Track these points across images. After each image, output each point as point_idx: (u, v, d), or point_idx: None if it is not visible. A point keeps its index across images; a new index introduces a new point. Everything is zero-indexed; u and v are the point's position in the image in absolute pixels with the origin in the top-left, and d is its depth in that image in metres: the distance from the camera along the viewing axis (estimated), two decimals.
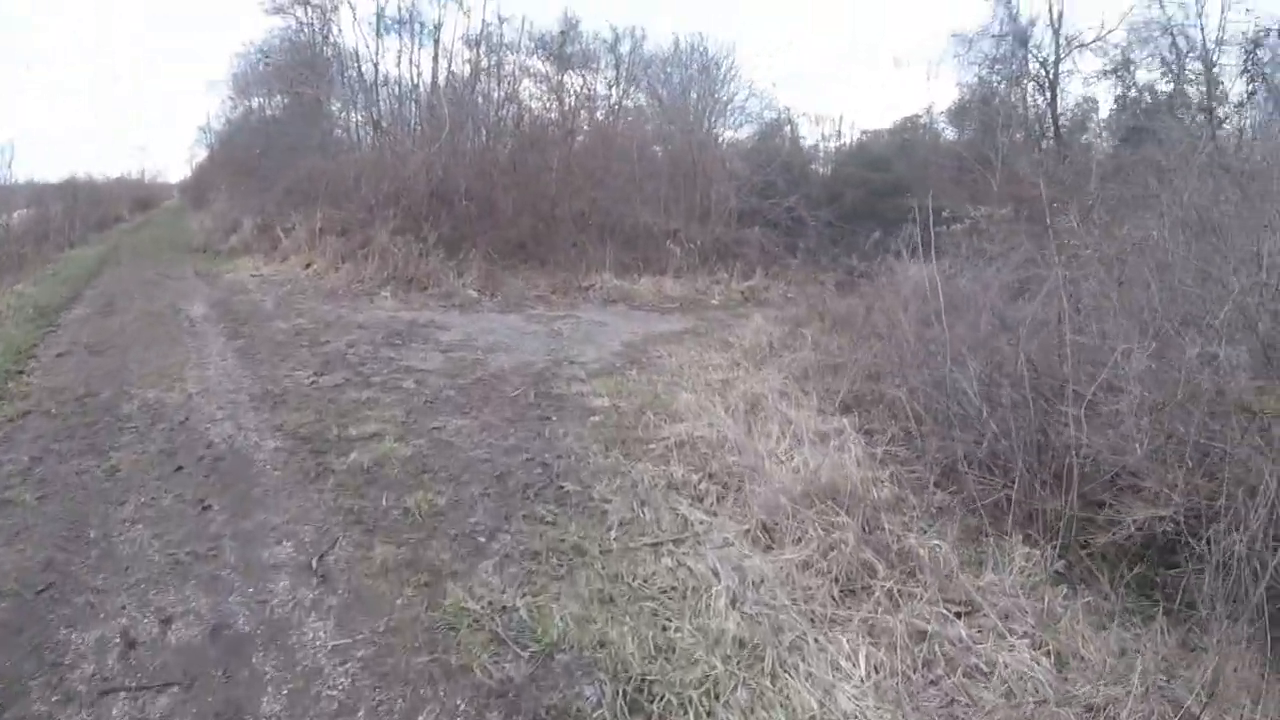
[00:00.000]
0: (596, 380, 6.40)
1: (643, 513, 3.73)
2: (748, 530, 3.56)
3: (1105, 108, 18.42)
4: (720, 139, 19.05)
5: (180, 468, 4.30)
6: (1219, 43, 17.31)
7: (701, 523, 3.64)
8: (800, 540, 3.46)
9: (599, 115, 16.12)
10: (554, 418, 5.34)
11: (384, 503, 3.82)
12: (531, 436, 4.93)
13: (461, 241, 12.43)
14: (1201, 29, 17.45)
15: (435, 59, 15.67)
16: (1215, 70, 17.41)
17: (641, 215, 14.83)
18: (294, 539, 3.49)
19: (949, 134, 20.15)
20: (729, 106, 19.14)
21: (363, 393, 5.79)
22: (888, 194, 19.72)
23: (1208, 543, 3.11)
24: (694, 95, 18.67)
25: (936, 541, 3.50)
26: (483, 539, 3.47)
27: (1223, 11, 16.95)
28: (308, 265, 12.48)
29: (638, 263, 13.40)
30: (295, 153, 15.80)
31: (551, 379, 6.45)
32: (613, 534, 3.52)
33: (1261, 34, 10.88)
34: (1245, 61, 11.90)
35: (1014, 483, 3.90)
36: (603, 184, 14.17)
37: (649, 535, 3.52)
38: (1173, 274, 4.33)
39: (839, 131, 21.40)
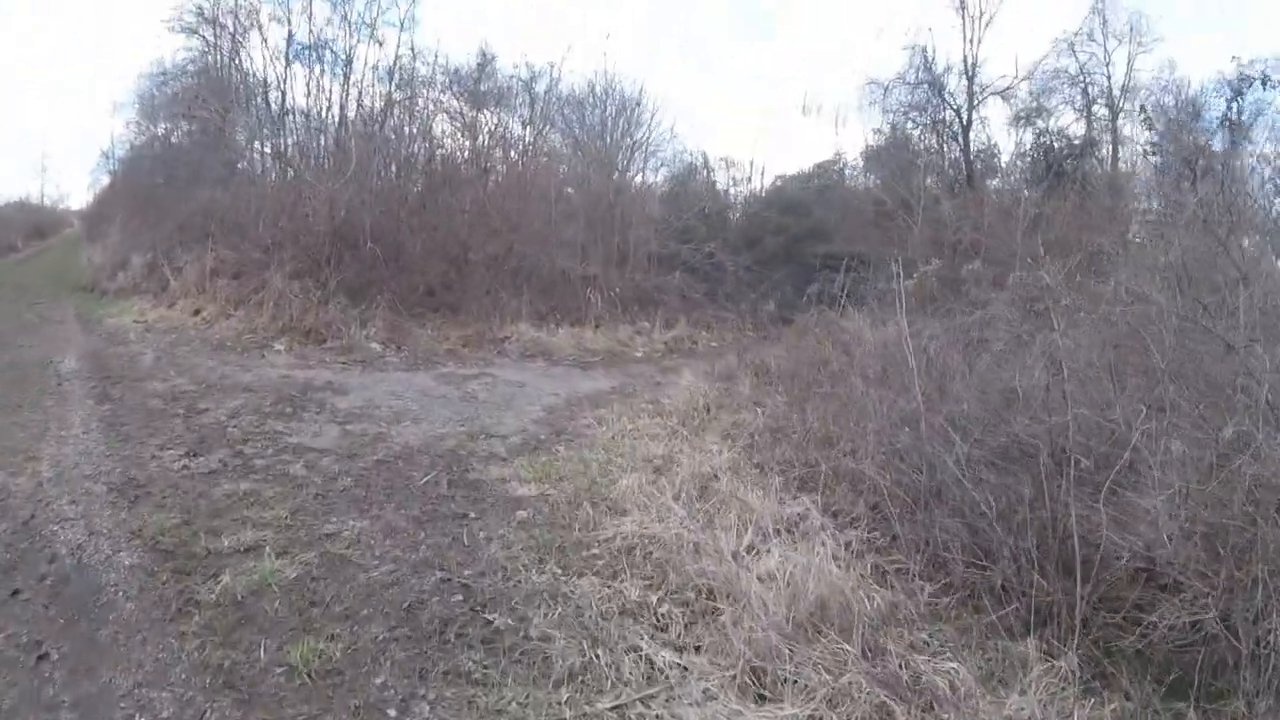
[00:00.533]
0: (520, 459, 5.59)
1: (596, 656, 2.95)
2: (733, 676, 2.83)
3: (1007, 154, 18.99)
4: (637, 182, 18.68)
5: (17, 591, 3.35)
6: (1124, 90, 18.11)
7: (673, 667, 2.89)
8: (798, 683, 2.77)
9: (514, 154, 15.45)
10: (473, 514, 4.49)
11: (261, 655, 2.92)
12: (446, 544, 4.06)
13: (365, 288, 11.46)
14: (1109, 78, 18.25)
15: (345, 90, 14.73)
16: (1120, 118, 18.21)
17: (558, 260, 14.17)
18: (149, 713, 2.58)
19: (863, 180, 20.38)
20: (645, 149, 18.81)
21: (241, 483, 4.82)
22: (804, 239, 19.73)
23: (1234, 630, 2.73)
24: (609, 137, 18.26)
25: (952, 664, 2.89)
26: (393, 712, 2.63)
27: (1129, 61, 17.88)
28: (197, 312, 11.27)
29: (555, 312, 12.69)
30: (195, 184, 14.53)
31: (467, 459, 5.60)
32: (563, 693, 2.72)
33: (1244, 82, 10.97)
34: (1227, 109, 11.99)
35: (1015, 574, 3.37)
36: (518, 227, 13.44)
37: (609, 692, 2.74)
38: (1170, 337, 3.93)
39: (749, 177, 21.37)
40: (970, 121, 18.25)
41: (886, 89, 18.78)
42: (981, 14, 17.66)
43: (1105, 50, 18.18)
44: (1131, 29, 17.70)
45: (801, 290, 21.03)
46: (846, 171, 22.07)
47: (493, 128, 15.98)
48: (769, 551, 3.78)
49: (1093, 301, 4.59)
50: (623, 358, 11.16)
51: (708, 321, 14.46)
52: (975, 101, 18.18)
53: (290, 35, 14.59)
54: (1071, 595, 3.13)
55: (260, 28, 14.82)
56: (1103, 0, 17.48)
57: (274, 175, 14.81)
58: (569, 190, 17.17)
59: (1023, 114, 18.17)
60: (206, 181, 14.46)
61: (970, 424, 4.43)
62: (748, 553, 3.85)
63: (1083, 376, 4.13)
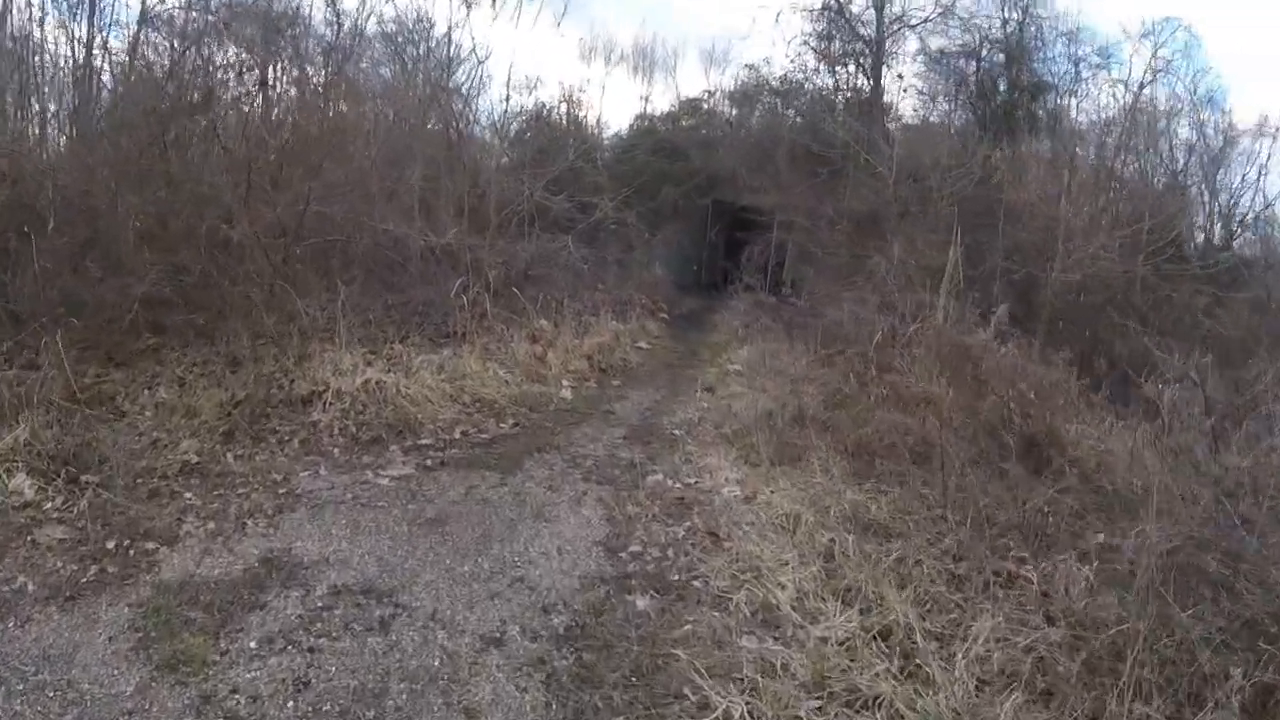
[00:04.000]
0: None
1: None
2: None
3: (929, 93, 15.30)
4: (481, 124, 12.93)
5: None
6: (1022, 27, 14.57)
7: None
8: None
9: (313, 82, 9.20)
10: None
11: None
12: None
13: (28, 317, 5.27)
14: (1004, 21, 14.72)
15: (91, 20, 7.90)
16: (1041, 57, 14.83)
17: (388, 226, 8.39)
18: None
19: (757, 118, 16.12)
20: (480, 86, 13.07)
21: None
22: (695, 191, 15.21)
23: None
24: (436, 72, 12.36)
25: None
26: None
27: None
28: None
29: (394, 317, 7.04)
30: None
31: None
32: None
33: None
34: None
35: None
36: (319, 174, 7.39)
37: None
38: None
39: (604, 121, 16.70)
40: (880, 55, 14.29)
41: (778, 17, 14.79)
42: None
43: None
44: None
45: (692, 253, 16.60)
46: (718, 110, 17.90)
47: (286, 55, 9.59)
48: None
49: None
50: (545, 410, 5.90)
51: (618, 308, 9.46)
52: (886, 34, 14.24)
53: None
54: None
55: None
56: None
57: None
58: (378, 127, 11.12)
59: (947, 51, 14.53)
60: None
61: None
62: None
63: None
